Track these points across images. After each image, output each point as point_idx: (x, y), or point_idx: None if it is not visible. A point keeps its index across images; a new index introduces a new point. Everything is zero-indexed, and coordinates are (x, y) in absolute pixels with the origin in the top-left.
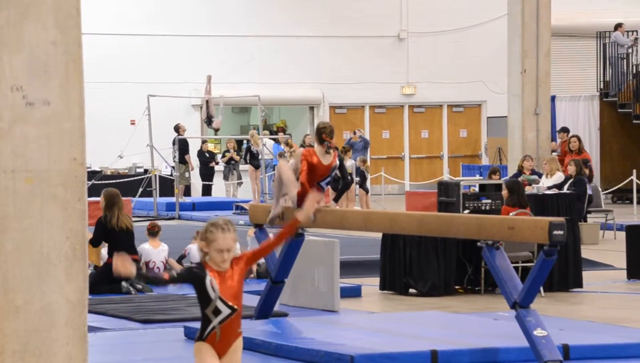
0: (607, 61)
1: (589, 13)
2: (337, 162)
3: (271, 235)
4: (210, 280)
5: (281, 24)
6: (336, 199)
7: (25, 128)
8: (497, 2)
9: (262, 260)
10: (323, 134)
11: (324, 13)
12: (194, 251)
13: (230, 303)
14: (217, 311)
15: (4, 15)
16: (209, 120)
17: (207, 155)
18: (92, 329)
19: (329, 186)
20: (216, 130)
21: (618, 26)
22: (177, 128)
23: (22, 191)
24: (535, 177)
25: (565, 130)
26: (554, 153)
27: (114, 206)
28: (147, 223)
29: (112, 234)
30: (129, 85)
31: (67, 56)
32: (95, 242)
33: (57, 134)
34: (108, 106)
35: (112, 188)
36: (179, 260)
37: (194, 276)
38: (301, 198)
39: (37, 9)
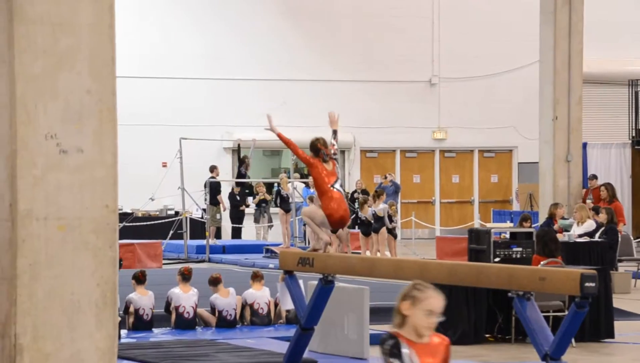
0: (639, 109)
1: (621, 61)
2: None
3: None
4: (410, 353)
5: (313, 68)
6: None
7: (58, 176)
8: (529, 49)
9: (292, 306)
10: (317, 144)
11: (355, 57)
12: (216, 300)
13: None
14: None
15: (40, 64)
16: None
17: (238, 198)
18: None
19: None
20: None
21: None
22: (212, 169)
23: (54, 238)
24: (571, 220)
25: (593, 177)
26: (588, 201)
27: None
28: (177, 266)
29: None
30: (161, 128)
31: (101, 104)
32: None
33: (89, 181)
34: (140, 148)
35: None
36: None
37: (392, 353)
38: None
39: (72, 58)
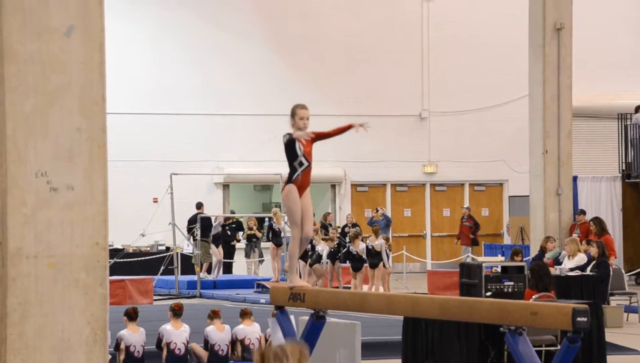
0: (629, 143)
1: (610, 95)
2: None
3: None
4: None
5: (303, 102)
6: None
7: (48, 214)
8: (518, 83)
9: (283, 342)
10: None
11: (345, 92)
12: (211, 333)
13: None
14: None
15: (31, 102)
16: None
17: (229, 233)
18: None
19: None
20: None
21: (639, 108)
22: (199, 206)
23: (44, 276)
24: (557, 250)
25: (581, 212)
26: (575, 236)
27: None
28: (168, 302)
29: None
30: (151, 163)
31: (92, 141)
32: None
33: (80, 219)
34: (130, 184)
35: None
36: None
37: None
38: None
39: (62, 96)
